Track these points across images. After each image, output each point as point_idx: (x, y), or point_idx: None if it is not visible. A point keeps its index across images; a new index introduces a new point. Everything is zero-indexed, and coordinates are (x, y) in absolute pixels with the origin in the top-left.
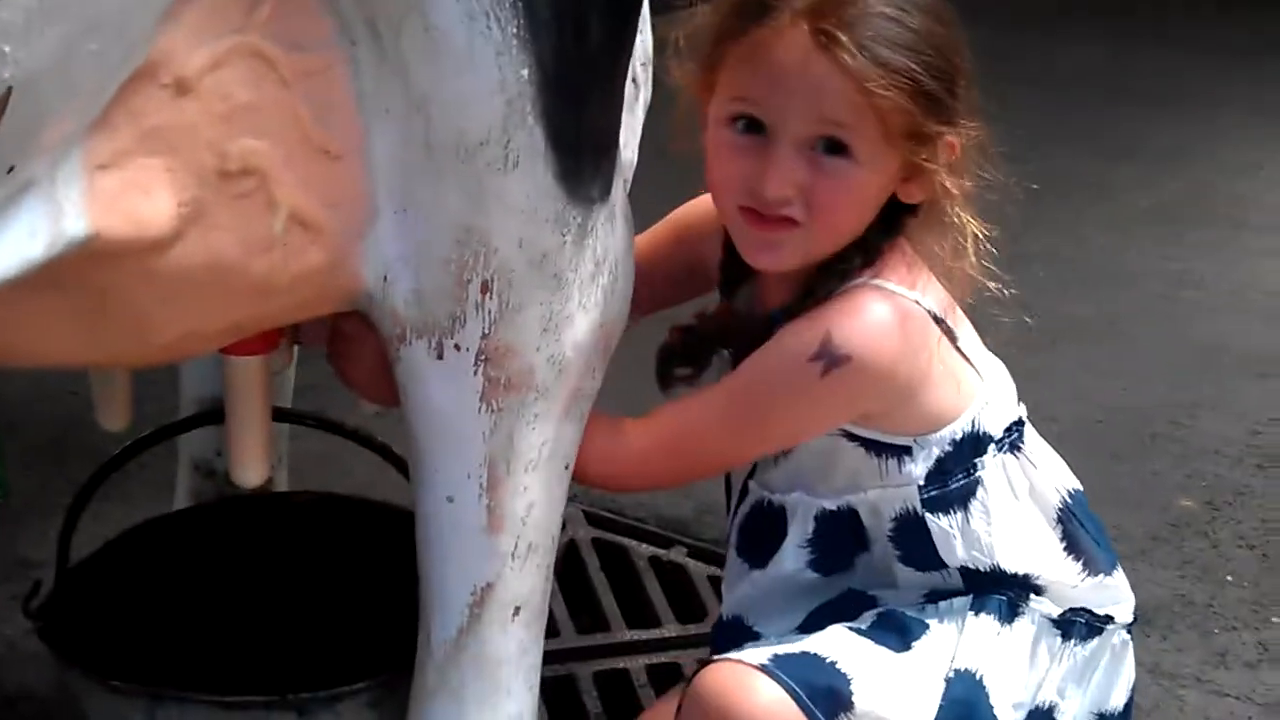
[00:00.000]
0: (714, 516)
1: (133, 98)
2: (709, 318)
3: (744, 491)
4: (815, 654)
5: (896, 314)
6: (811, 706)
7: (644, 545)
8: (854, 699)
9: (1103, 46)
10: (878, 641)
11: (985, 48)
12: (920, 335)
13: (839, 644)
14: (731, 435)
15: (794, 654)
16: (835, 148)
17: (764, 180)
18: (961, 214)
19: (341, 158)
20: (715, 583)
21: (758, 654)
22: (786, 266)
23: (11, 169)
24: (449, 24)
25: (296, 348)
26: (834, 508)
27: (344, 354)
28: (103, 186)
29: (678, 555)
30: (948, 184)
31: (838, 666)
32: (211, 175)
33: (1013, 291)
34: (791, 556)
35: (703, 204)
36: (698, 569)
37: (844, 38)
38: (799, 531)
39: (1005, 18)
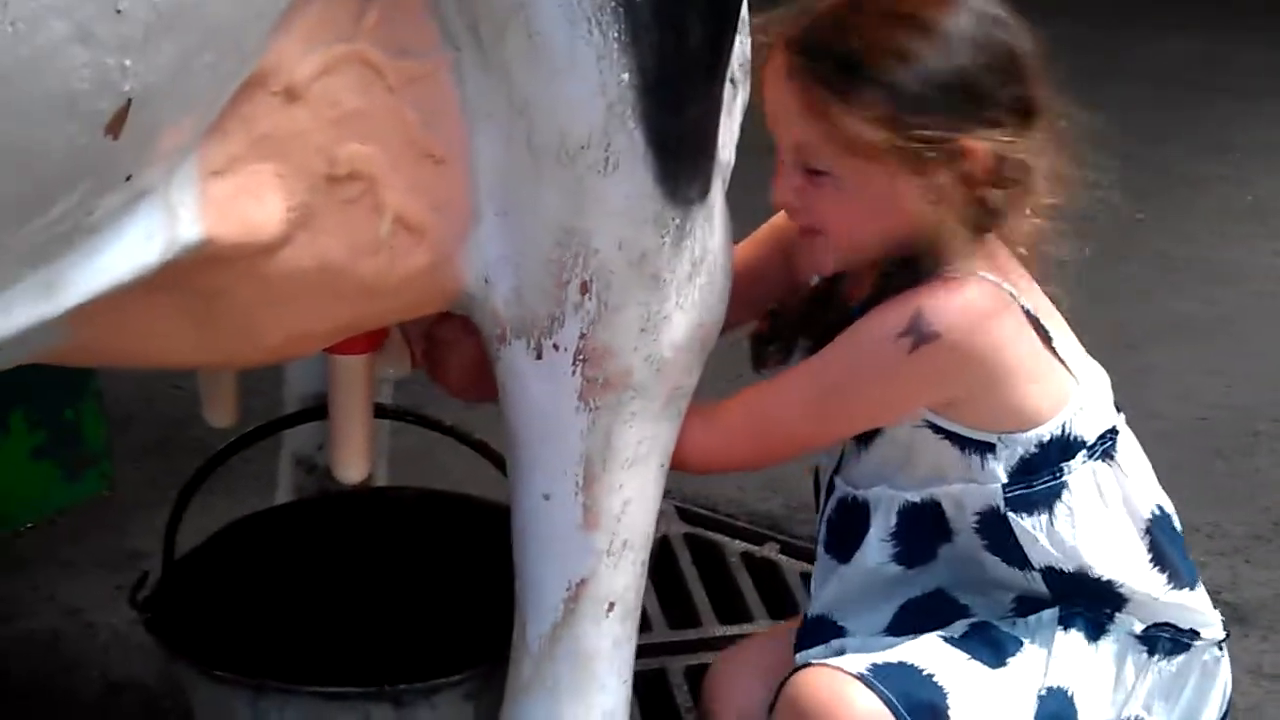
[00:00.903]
0: (806, 513)
1: (244, 105)
2: (790, 305)
3: (830, 488)
4: (913, 665)
5: (988, 300)
6: (909, 719)
7: (736, 541)
8: (950, 713)
9: (1200, 41)
10: (973, 655)
11: (1084, 43)
12: (1012, 326)
13: (935, 656)
14: (816, 414)
15: (892, 664)
16: (815, 168)
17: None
18: (1014, 222)
19: (445, 162)
20: (807, 579)
21: (855, 662)
22: (822, 270)
23: (129, 177)
24: (551, 29)
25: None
26: (917, 500)
27: (438, 359)
28: (216, 192)
29: (770, 551)
30: (981, 194)
31: (935, 680)
32: (320, 180)
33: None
34: (875, 550)
35: None
36: (789, 565)
37: (808, 66)
38: (882, 525)
39: (1105, 12)
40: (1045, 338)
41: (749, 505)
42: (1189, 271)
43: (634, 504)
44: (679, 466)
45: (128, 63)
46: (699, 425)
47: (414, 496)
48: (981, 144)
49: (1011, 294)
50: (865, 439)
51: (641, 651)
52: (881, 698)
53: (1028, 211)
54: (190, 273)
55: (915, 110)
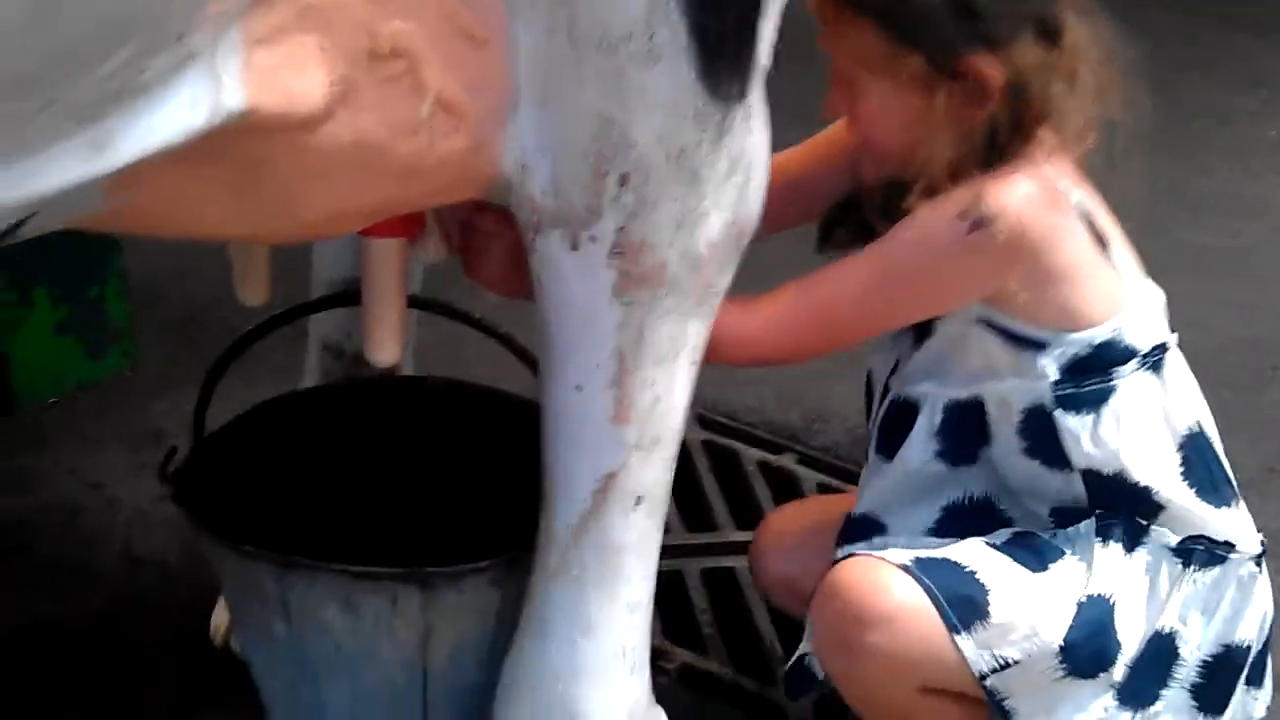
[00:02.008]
0: (824, 425)
1: None
2: (864, 192)
3: (885, 391)
4: (956, 562)
5: (1045, 192)
6: (949, 610)
7: (754, 450)
8: (990, 609)
9: None
10: (1016, 559)
11: None
12: (1066, 223)
13: (978, 556)
14: (872, 298)
15: (935, 559)
16: (850, 79)
17: None
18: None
19: (487, 43)
20: (823, 490)
21: (899, 554)
22: (870, 178)
23: (180, 37)
24: None
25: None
26: (963, 396)
27: (476, 249)
28: (259, 61)
29: (787, 461)
30: (991, 113)
31: (977, 577)
32: (362, 56)
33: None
34: (920, 447)
35: None
36: (807, 475)
37: None
38: (927, 421)
39: None
40: (1100, 243)
41: (768, 415)
42: (1208, 204)
43: (664, 400)
44: (723, 359)
45: None
46: (748, 314)
47: (442, 386)
48: (988, 64)
49: (1070, 194)
50: (920, 338)
51: (659, 553)
52: (923, 587)
53: (1056, 129)
54: (234, 142)
55: (911, 32)
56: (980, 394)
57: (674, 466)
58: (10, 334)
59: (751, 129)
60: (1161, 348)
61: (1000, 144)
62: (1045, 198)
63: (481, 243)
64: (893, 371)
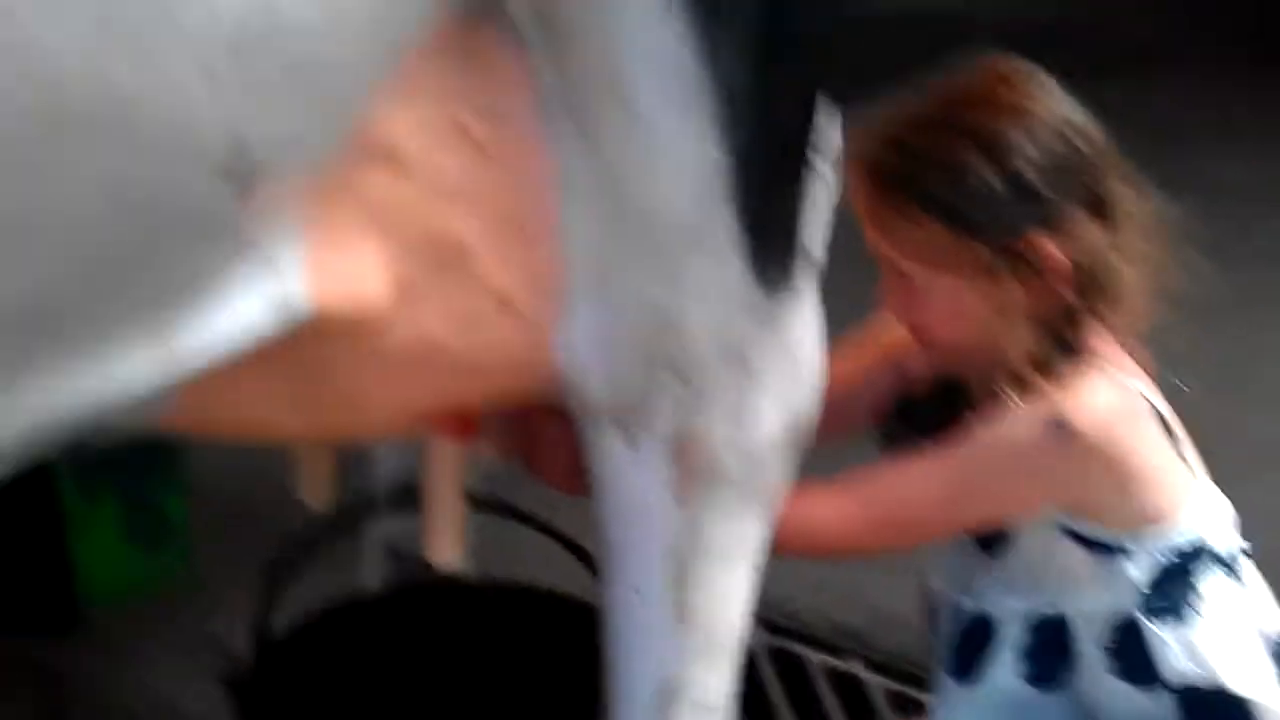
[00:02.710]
0: (891, 627)
1: (352, 173)
2: (923, 390)
3: (952, 607)
4: None
5: (1124, 399)
6: None
7: (819, 654)
8: None
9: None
10: None
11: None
12: (1144, 424)
13: None
14: (947, 503)
15: None
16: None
17: None
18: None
19: (541, 238)
20: (891, 696)
21: None
22: (922, 375)
23: (246, 240)
24: (648, 107)
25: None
26: (1047, 614)
27: (539, 455)
28: (323, 263)
29: (855, 667)
30: (1058, 294)
31: None
32: (422, 254)
33: None
34: (1007, 667)
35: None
36: (875, 681)
37: (872, 182)
38: (1011, 641)
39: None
40: (1171, 438)
41: (830, 616)
42: (1272, 392)
43: (724, 603)
44: (788, 547)
45: (255, 114)
46: (814, 503)
47: (505, 589)
48: (1049, 244)
49: (1141, 393)
50: (995, 550)
51: None
52: None
53: (1120, 306)
54: (297, 344)
55: (975, 222)
56: (1064, 609)
57: (737, 672)
58: (77, 539)
59: (803, 318)
60: (1238, 551)
61: (1072, 328)
62: (1124, 405)
63: (544, 450)
64: (960, 585)
